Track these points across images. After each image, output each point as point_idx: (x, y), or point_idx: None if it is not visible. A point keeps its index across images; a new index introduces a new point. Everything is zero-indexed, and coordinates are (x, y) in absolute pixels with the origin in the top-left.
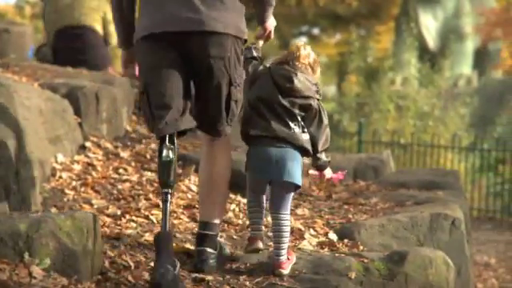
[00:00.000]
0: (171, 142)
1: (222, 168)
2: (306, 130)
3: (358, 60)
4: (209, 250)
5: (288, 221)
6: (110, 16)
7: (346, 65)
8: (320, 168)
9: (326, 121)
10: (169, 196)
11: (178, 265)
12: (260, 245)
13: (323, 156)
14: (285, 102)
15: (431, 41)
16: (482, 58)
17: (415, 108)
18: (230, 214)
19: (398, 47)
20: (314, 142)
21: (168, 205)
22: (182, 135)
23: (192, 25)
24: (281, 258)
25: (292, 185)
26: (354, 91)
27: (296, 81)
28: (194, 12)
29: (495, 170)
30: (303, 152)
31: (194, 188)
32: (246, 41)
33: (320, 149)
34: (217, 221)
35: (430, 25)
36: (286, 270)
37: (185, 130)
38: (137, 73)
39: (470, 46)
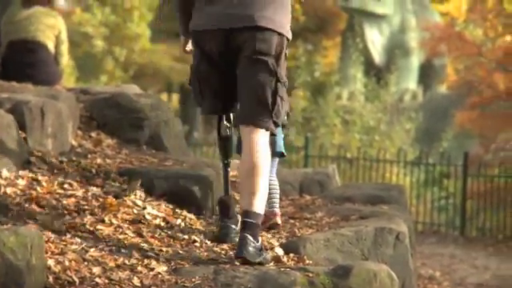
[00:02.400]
0: (228, 120)
1: (260, 159)
2: None
3: (305, 75)
4: (249, 237)
5: (276, 181)
6: (64, 36)
7: (293, 79)
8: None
9: None
10: (229, 165)
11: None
12: (279, 220)
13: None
14: None
15: (377, 56)
16: (427, 73)
17: (361, 122)
18: (176, 229)
19: (344, 62)
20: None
21: (228, 173)
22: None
23: (243, 21)
24: (275, 209)
25: (279, 154)
26: (301, 106)
27: None
28: (245, 8)
29: (440, 184)
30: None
31: (140, 203)
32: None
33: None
34: (256, 210)
35: (375, 40)
36: (279, 220)
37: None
38: None
39: (415, 61)
